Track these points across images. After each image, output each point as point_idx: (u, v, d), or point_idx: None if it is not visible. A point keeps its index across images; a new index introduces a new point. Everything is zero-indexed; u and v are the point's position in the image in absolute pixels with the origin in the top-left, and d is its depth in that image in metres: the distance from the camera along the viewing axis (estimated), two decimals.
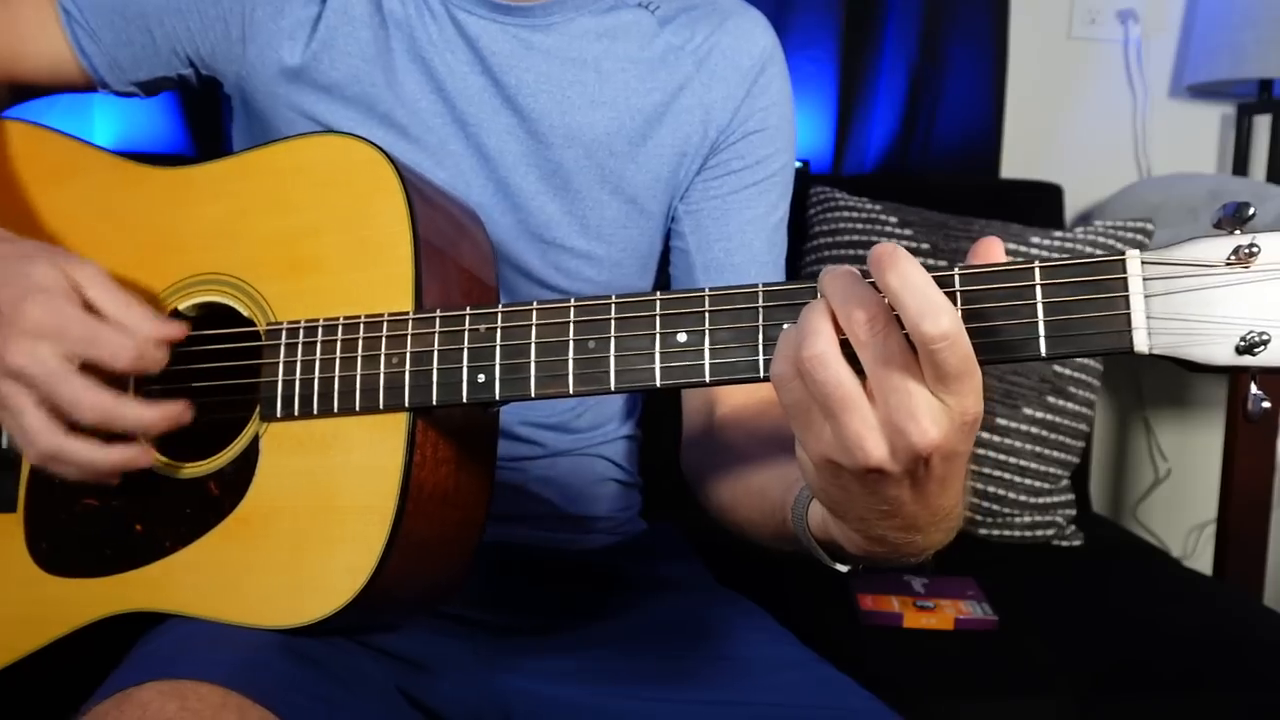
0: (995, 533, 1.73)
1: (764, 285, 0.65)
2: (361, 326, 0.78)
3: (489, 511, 0.84)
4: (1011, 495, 1.71)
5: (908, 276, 0.54)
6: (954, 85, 2.09)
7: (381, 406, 0.76)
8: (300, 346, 0.80)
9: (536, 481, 1.04)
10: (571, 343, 0.71)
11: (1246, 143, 2.19)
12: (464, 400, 0.74)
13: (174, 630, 0.79)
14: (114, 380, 0.79)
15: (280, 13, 0.97)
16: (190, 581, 0.81)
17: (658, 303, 0.68)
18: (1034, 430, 1.72)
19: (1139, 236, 1.78)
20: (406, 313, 0.77)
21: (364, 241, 0.80)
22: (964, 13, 2.07)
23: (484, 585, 0.93)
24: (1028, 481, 1.72)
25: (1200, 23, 2.16)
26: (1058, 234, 1.78)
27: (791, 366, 0.58)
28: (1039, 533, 1.73)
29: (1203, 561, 2.18)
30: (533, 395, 0.72)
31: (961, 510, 0.65)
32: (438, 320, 0.75)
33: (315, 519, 0.77)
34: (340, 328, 0.78)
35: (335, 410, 0.78)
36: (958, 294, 0.59)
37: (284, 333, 0.80)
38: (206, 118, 1.82)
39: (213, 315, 0.87)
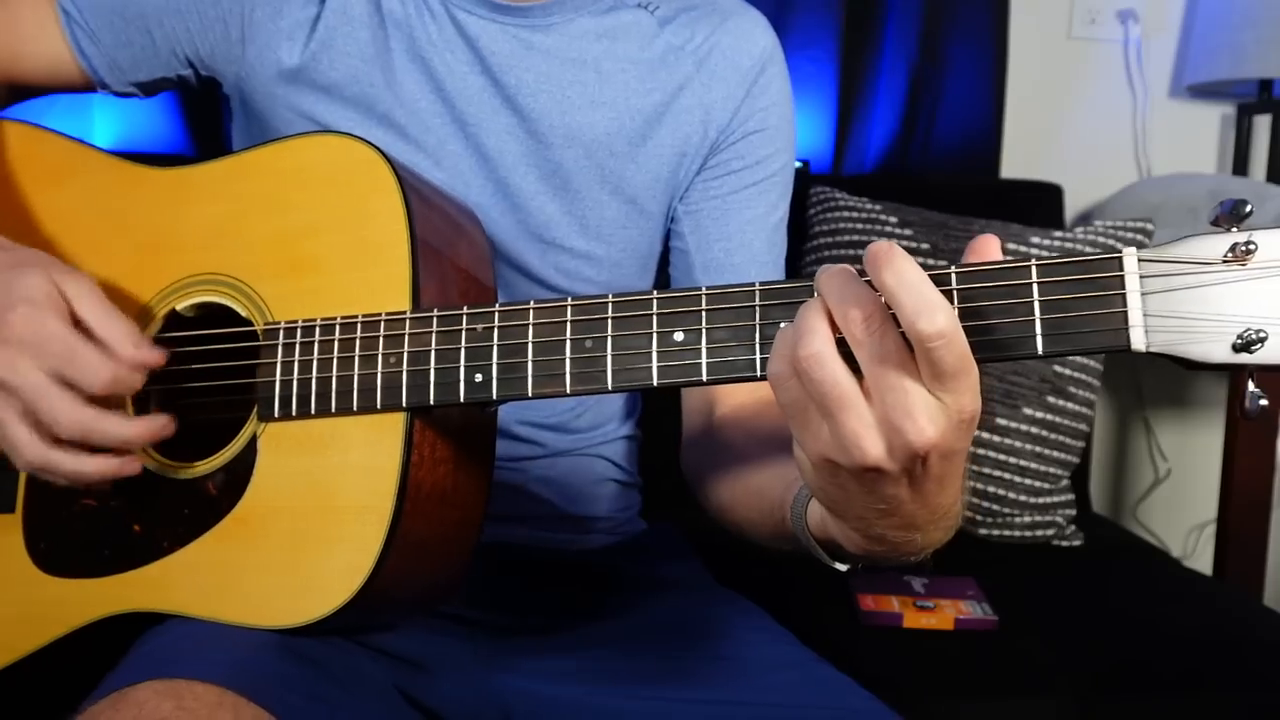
0: (995, 533, 1.73)
1: (760, 284, 0.65)
2: (359, 326, 0.78)
3: (487, 511, 0.84)
4: (1011, 495, 1.71)
5: (903, 274, 0.54)
6: (954, 85, 2.09)
7: (379, 406, 0.76)
8: (298, 346, 0.80)
9: (536, 481, 1.04)
10: (569, 342, 0.71)
11: (1246, 143, 2.19)
12: (461, 400, 0.74)
13: (172, 630, 0.80)
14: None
15: (279, 13, 0.97)
16: (188, 582, 0.81)
17: (655, 302, 0.68)
18: (1034, 430, 1.72)
19: (1139, 236, 1.78)
20: (404, 312, 0.77)
21: (361, 241, 0.80)
22: (964, 13, 2.07)
23: (483, 585, 0.93)
24: (1028, 481, 1.71)
25: (1200, 23, 2.16)
26: (1058, 234, 1.78)
27: (788, 365, 0.58)
28: (1039, 533, 1.73)
29: (1203, 561, 2.18)
30: (530, 395, 0.72)
31: (960, 509, 0.65)
32: (435, 320, 0.75)
33: (313, 519, 0.77)
34: (338, 327, 0.78)
35: (333, 410, 0.78)
36: (954, 292, 0.59)
37: (281, 333, 0.80)
38: (206, 118, 1.82)
39: (211, 315, 0.87)
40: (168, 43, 0.99)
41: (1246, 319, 0.56)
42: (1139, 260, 0.57)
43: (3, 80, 1.01)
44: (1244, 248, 0.56)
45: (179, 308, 0.87)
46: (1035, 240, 1.76)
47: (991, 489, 1.71)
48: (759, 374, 0.65)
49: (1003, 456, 1.71)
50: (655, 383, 0.68)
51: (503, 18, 0.98)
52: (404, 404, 0.75)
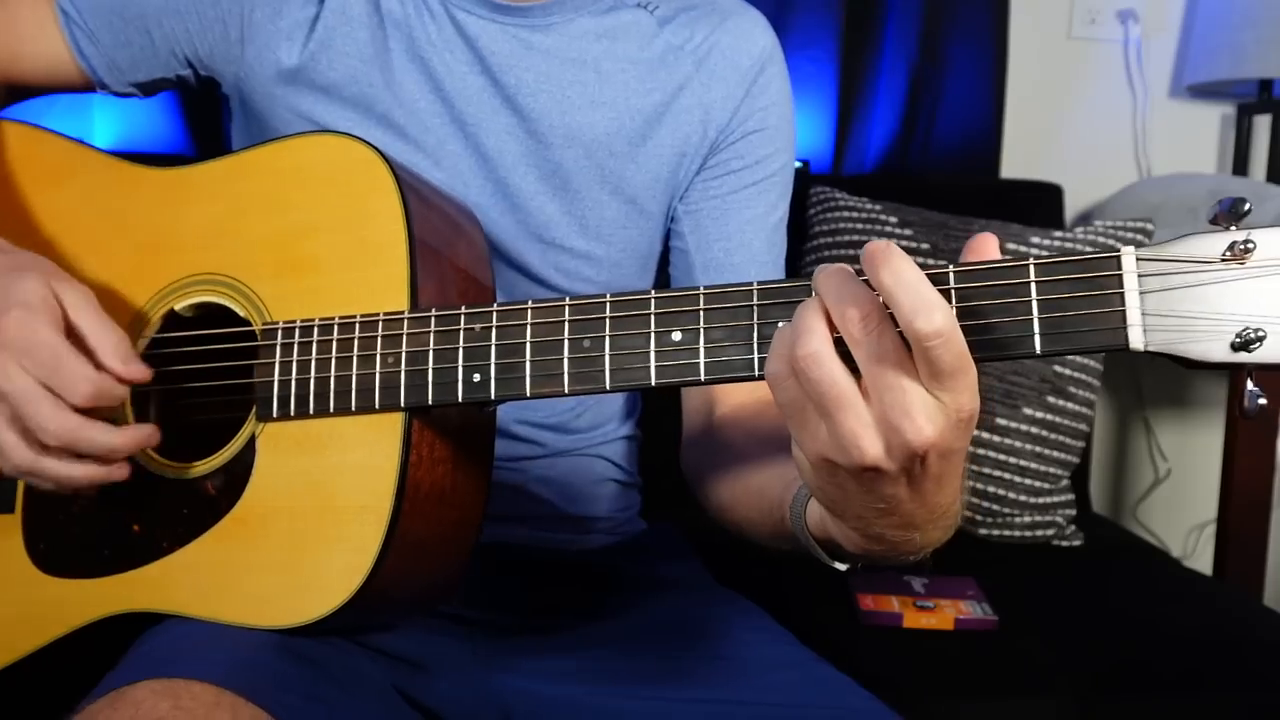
0: (995, 533, 1.73)
1: (758, 283, 0.65)
2: (357, 326, 0.78)
3: (487, 511, 0.84)
4: (1011, 495, 1.71)
5: (901, 273, 0.54)
6: (954, 85, 2.09)
7: (377, 406, 0.76)
8: (296, 346, 0.79)
9: (536, 482, 1.04)
10: (566, 342, 0.71)
11: (1246, 143, 2.19)
12: (459, 400, 0.74)
13: (170, 630, 0.80)
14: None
15: (278, 14, 0.97)
16: (188, 582, 0.81)
17: (652, 301, 0.68)
18: (1034, 430, 1.71)
19: (1139, 236, 1.78)
20: (402, 312, 0.77)
21: (360, 241, 0.80)
22: (964, 13, 2.07)
23: (483, 585, 0.93)
24: (1028, 481, 1.71)
25: (1200, 23, 2.16)
26: (1058, 234, 1.78)
27: (786, 365, 0.58)
28: (1039, 533, 1.73)
29: (1203, 561, 2.18)
30: (528, 395, 0.72)
31: (959, 508, 0.65)
32: (433, 320, 0.75)
33: (312, 519, 0.77)
34: (336, 327, 0.78)
35: (331, 410, 0.78)
36: (952, 291, 0.59)
37: (280, 333, 0.80)
38: (206, 118, 1.82)
39: (209, 315, 0.87)
40: (167, 43, 0.99)
41: (1245, 318, 0.56)
42: (1137, 259, 0.57)
43: (2, 81, 1.01)
44: (1243, 246, 0.55)
45: (177, 308, 0.87)
46: (1035, 240, 1.76)
47: (991, 489, 1.71)
48: (757, 374, 0.65)
49: (1003, 456, 1.71)
50: (653, 382, 0.68)
51: (502, 17, 0.98)
52: (402, 404, 0.75)
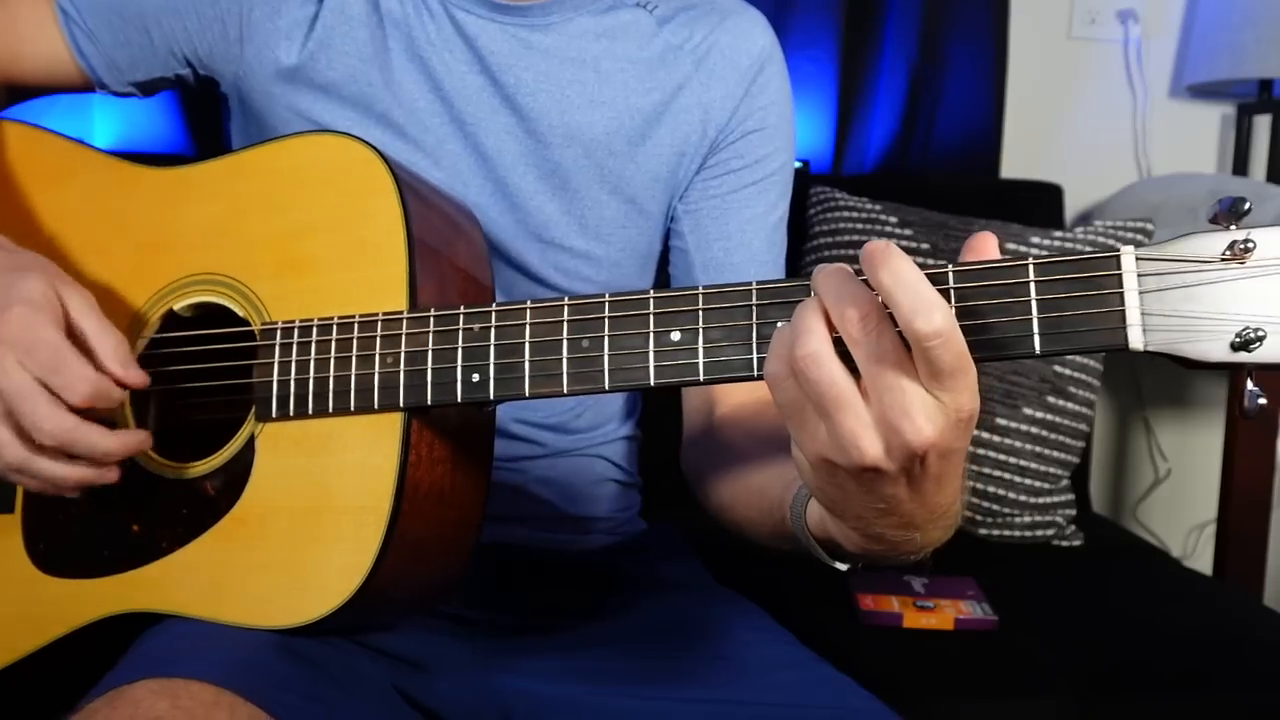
0: (995, 533, 1.73)
1: (757, 283, 0.65)
2: (356, 326, 0.78)
3: (487, 512, 0.84)
4: (1011, 495, 1.71)
5: (900, 273, 0.54)
6: (954, 85, 2.09)
7: (376, 406, 0.76)
8: (295, 346, 0.79)
9: (536, 482, 1.04)
10: (565, 342, 0.71)
11: (1246, 143, 2.18)
12: (459, 400, 0.74)
13: (170, 630, 0.80)
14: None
15: (277, 12, 0.97)
16: (187, 582, 0.80)
17: (651, 301, 0.68)
18: (1034, 430, 1.71)
19: (1139, 236, 1.78)
20: (400, 312, 0.77)
21: (359, 241, 0.80)
22: (964, 13, 2.07)
23: (483, 585, 0.93)
24: (1028, 481, 1.71)
25: (1200, 23, 2.15)
26: (1058, 234, 1.78)
27: (785, 366, 0.58)
28: (1039, 533, 1.73)
29: (1203, 561, 2.18)
30: (527, 395, 0.72)
31: (959, 508, 0.65)
32: (432, 320, 0.75)
33: (311, 519, 0.77)
34: (335, 327, 0.78)
35: (330, 410, 0.78)
36: (951, 291, 0.59)
37: (279, 333, 0.80)
38: (206, 118, 1.82)
39: (208, 315, 0.87)
40: (166, 42, 0.99)
41: (1245, 317, 0.55)
42: (1137, 259, 0.57)
43: (2, 81, 1.01)
44: (1242, 246, 0.55)
45: (176, 308, 0.87)
46: (1035, 240, 1.76)
47: (991, 489, 1.71)
48: (756, 374, 0.65)
49: (1003, 456, 1.71)
50: (652, 383, 0.68)
51: (501, 17, 0.98)
52: (401, 404, 0.75)
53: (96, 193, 0.92)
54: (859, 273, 0.57)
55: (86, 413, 0.77)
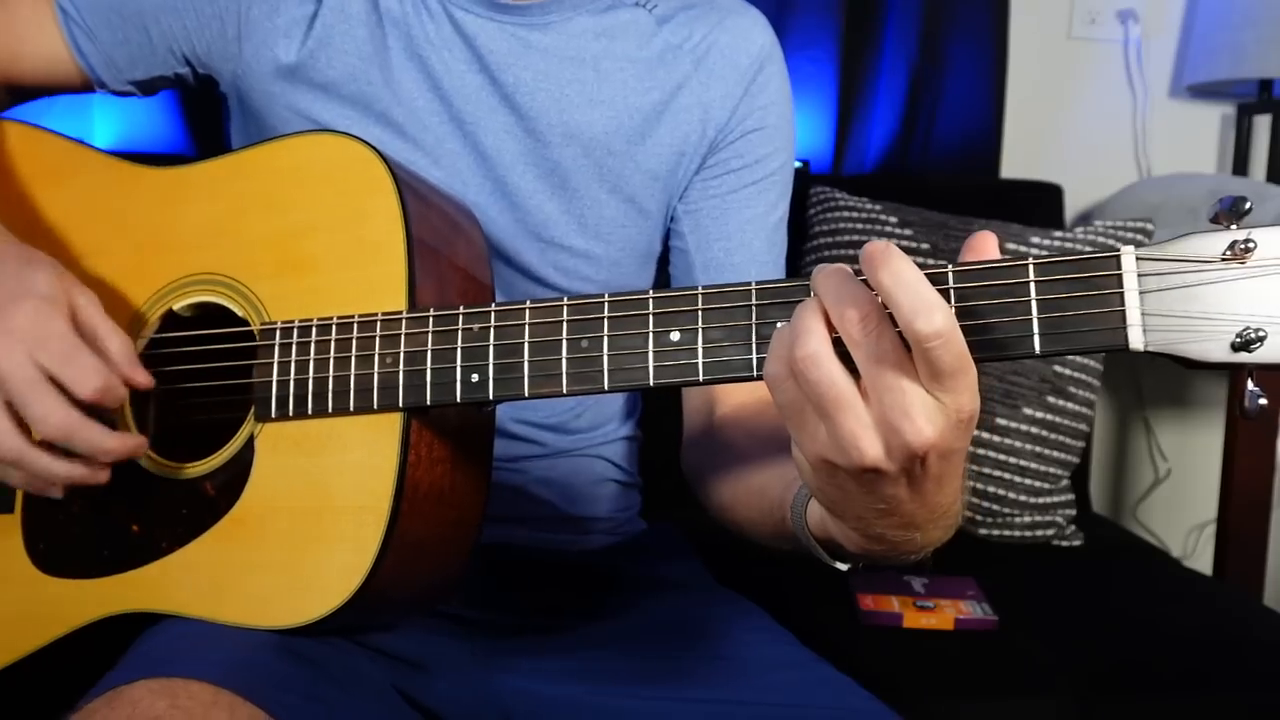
0: (995, 533, 1.73)
1: (757, 283, 0.65)
2: (355, 326, 0.78)
3: (487, 512, 0.83)
4: (1011, 495, 1.71)
5: (900, 274, 0.54)
6: (954, 85, 2.09)
7: (376, 406, 0.76)
8: (294, 346, 0.79)
9: (536, 482, 1.04)
10: (565, 342, 0.71)
11: (1246, 143, 2.18)
12: (458, 400, 0.74)
13: (169, 630, 0.79)
14: None
15: (276, 11, 0.97)
16: (187, 582, 0.80)
17: (651, 301, 0.68)
18: (1034, 430, 1.71)
19: (1139, 236, 1.78)
20: (400, 312, 0.77)
21: (358, 241, 0.80)
22: (964, 13, 2.07)
23: (483, 585, 0.93)
24: (1028, 481, 1.71)
25: (1200, 23, 2.15)
26: (1058, 234, 1.78)
27: (785, 366, 0.58)
28: (1039, 533, 1.73)
29: (1203, 561, 2.17)
30: (526, 395, 0.72)
31: (960, 508, 0.65)
32: (431, 320, 0.75)
33: (311, 519, 0.77)
34: (334, 327, 0.78)
35: (330, 410, 0.78)
36: (951, 291, 0.59)
37: (278, 333, 0.80)
38: (206, 118, 1.82)
39: (208, 315, 0.86)
40: (165, 41, 0.99)
41: (1245, 318, 0.55)
42: (1137, 259, 0.57)
43: (2, 81, 1.01)
44: (1243, 245, 0.55)
45: (176, 308, 0.87)
46: (1035, 240, 1.76)
47: (991, 489, 1.71)
48: (756, 374, 0.65)
49: (1003, 456, 1.71)
50: (651, 383, 0.68)
51: (501, 16, 0.98)
52: (401, 404, 0.75)
53: (96, 192, 0.92)
54: (859, 273, 0.57)
55: (88, 411, 0.77)
